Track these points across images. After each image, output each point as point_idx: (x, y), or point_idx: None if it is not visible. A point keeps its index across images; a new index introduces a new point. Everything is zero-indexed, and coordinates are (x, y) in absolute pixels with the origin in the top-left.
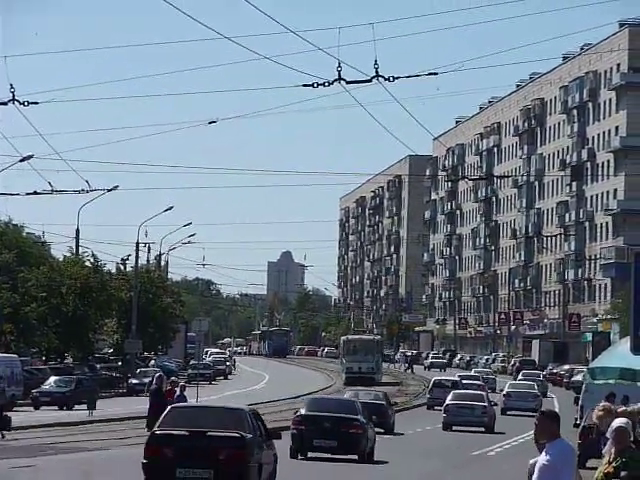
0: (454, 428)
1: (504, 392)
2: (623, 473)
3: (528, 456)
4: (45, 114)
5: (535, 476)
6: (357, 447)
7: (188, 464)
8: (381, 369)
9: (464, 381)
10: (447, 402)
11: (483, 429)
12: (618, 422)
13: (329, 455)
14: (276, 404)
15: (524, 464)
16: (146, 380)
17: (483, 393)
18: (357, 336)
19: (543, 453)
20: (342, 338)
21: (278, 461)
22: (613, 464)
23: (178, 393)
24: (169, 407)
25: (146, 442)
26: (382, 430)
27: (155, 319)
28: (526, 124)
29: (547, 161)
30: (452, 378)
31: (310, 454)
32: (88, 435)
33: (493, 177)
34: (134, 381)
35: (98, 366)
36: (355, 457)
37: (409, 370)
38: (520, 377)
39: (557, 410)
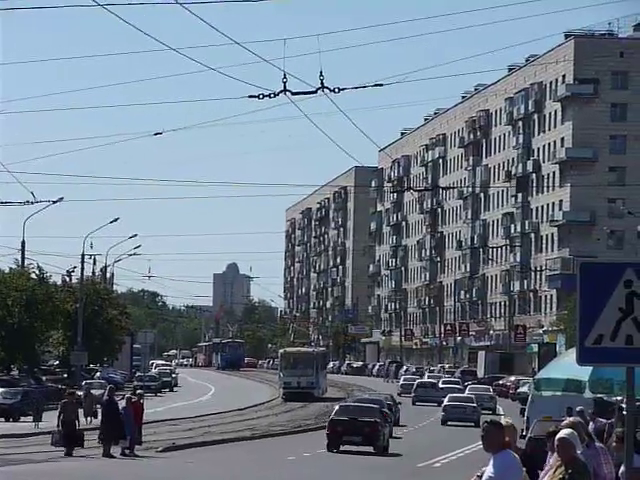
0: (449, 423)
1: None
2: None
3: None
4: None
5: None
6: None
7: (349, 434)
8: (322, 383)
9: (442, 386)
10: (445, 403)
11: (472, 424)
12: (562, 433)
13: None
14: (224, 415)
15: None
16: (92, 392)
17: (472, 396)
18: (296, 349)
19: (490, 465)
20: (280, 351)
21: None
22: (559, 476)
23: (124, 405)
24: (339, 405)
25: (328, 423)
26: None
27: (101, 331)
28: (471, 135)
29: (492, 172)
30: (431, 380)
31: None
32: (34, 447)
33: (438, 188)
34: (80, 393)
35: (44, 378)
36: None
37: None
38: (467, 392)
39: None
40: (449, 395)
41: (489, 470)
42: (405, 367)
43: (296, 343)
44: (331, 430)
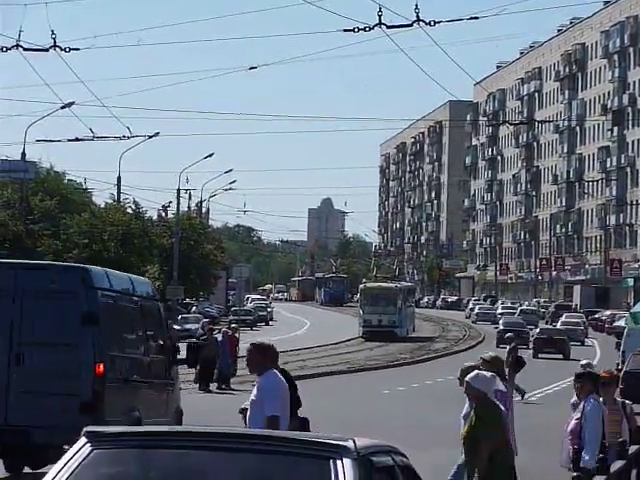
0: None
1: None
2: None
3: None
4: (86, 60)
5: (248, 413)
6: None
7: (547, 346)
8: (407, 322)
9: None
10: (558, 326)
11: (579, 343)
12: (467, 377)
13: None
14: (319, 350)
15: None
16: (188, 326)
17: (579, 320)
18: (377, 284)
19: (254, 387)
20: (360, 286)
21: None
22: (470, 422)
23: (220, 338)
24: (539, 328)
25: (533, 340)
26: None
27: (197, 266)
28: (567, 69)
29: (588, 106)
30: (532, 308)
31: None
32: None
33: (534, 122)
34: (176, 327)
35: None
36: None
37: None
38: (564, 318)
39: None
40: (561, 320)
41: (253, 392)
42: (500, 301)
43: (379, 278)
44: (535, 344)
